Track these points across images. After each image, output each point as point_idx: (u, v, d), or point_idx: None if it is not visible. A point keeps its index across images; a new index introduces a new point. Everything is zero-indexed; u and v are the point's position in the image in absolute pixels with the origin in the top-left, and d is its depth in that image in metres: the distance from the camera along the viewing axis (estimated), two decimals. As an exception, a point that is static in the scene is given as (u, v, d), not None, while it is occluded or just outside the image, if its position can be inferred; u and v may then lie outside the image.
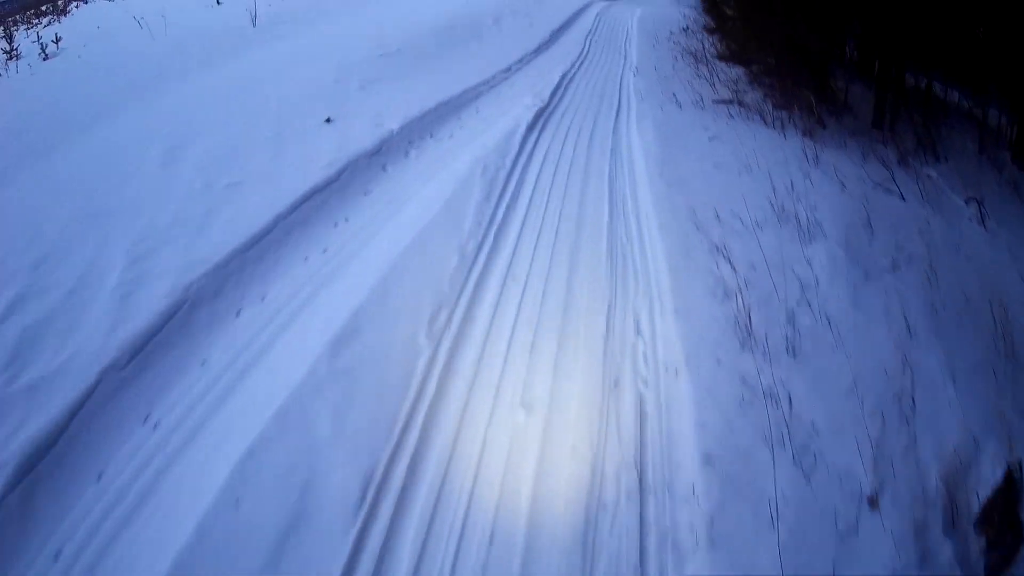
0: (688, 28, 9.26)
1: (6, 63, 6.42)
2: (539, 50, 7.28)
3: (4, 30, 8.36)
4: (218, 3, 9.18)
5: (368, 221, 3.20)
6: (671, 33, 8.98)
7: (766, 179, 3.29)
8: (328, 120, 4.10)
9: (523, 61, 6.65)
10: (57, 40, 7.19)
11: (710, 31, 6.91)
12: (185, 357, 2.17)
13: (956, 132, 4.40)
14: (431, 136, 4.28)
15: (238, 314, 2.42)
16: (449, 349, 2.17)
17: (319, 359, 2.04)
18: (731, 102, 5.26)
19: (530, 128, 4.32)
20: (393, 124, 4.13)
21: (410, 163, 3.83)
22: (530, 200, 3.31)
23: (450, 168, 3.62)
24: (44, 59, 6.67)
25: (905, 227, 2.85)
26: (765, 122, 4.60)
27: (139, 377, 2.06)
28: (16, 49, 7.13)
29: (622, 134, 4.47)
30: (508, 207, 3.21)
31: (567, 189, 3.44)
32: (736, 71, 6.37)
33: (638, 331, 2.29)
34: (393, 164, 3.78)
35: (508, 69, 6.22)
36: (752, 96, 5.41)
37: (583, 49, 7.74)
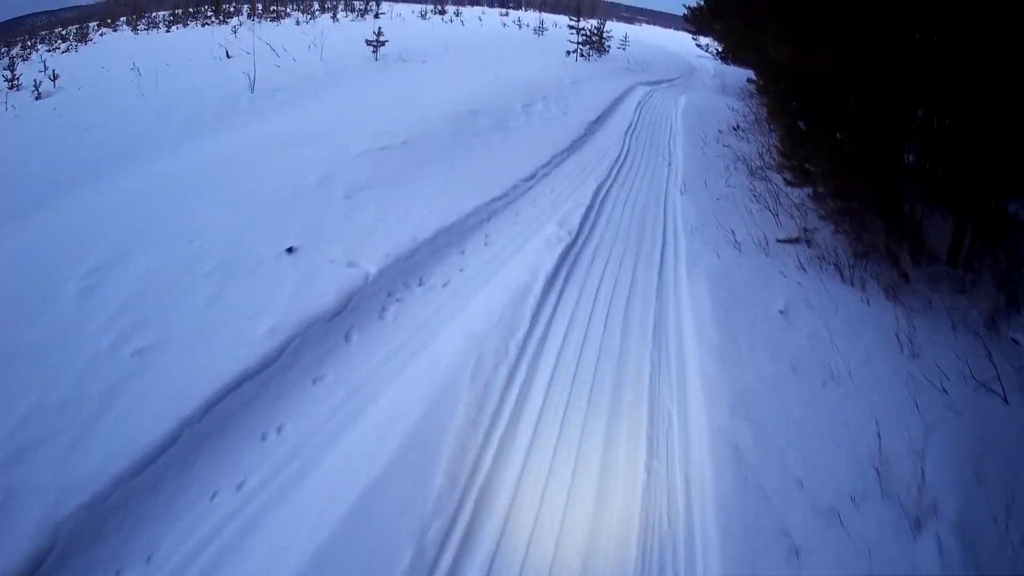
0: (738, 127, 8.69)
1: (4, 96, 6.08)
2: (572, 149, 6.73)
3: (12, 56, 8.18)
4: (228, 56, 8.92)
5: (308, 435, 2.52)
6: (719, 132, 8.37)
7: (859, 398, 2.64)
8: (290, 250, 3.45)
9: (551, 164, 6.07)
10: (55, 77, 6.95)
11: (782, 155, 6.24)
12: None
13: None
14: (420, 283, 3.60)
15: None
16: None
17: None
18: (798, 241, 4.53)
19: (550, 283, 3.63)
20: (372, 265, 3.48)
21: (384, 331, 3.14)
22: (534, 432, 2.54)
23: (433, 352, 2.91)
24: (36, 98, 6.38)
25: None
26: (842, 276, 3.88)
27: None
28: (18, 80, 6.87)
29: (668, 298, 3.73)
30: (501, 446, 2.41)
31: (589, 414, 2.66)
32: (799, 191, 5.65)
33: None
34: (361, 331, 3.08)
35: (532, 176, 5.63)
36: (823, 235, 4.70)
37: (622, 150, 7.19)
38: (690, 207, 5.20)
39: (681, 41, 20.25)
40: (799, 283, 3.65)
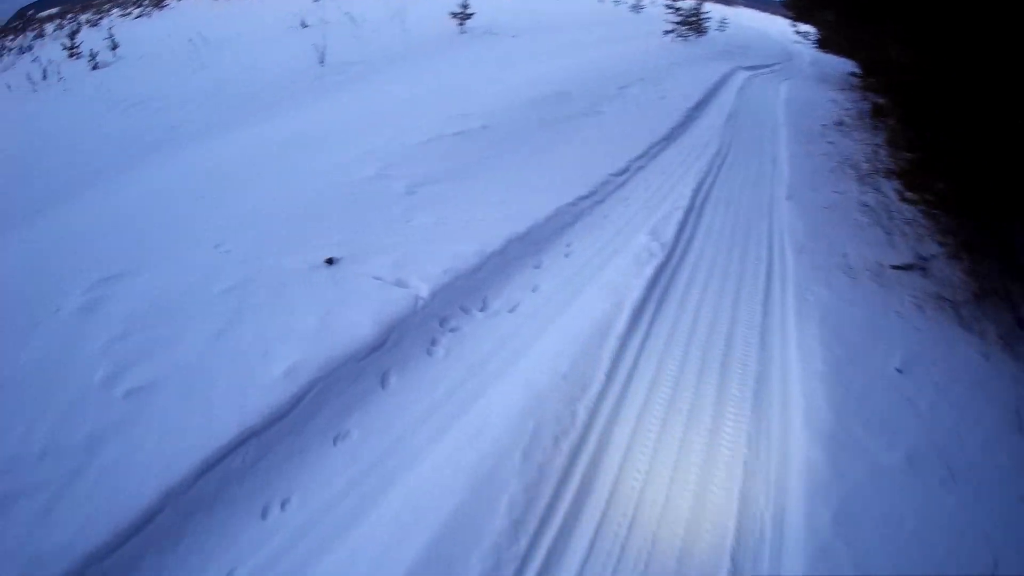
0: (842, 122, 8.02)
1: (39, 78, 6.12)
2: (669, 138, 5.97)
3: (80, 23, 8.38)
4: (303, 26, 8.72)
5: (317, 515, 2.10)
6: (823, 127, 7.64)
7: (976, 507, 2.13)
8: (330, 261, 2.98)
9: (647, 156, 5.30)
10: (115, 47, 7.01)
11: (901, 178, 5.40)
12: None
13: None
14: (482, 307, 3.02)
15: None
16: None
17: None
18: (912, 268, 3.91)
19: (636, 317, 2.94)
20: (424, 284, 2.93)
21: (429, 373, 2.58)
22: (590, 546, 1.88)
23: (483, 409, 2.35)
24: (93, 68, 6.41)
25: None
26: (960, 318, 3.29)
27: None
28: (78, 47, 6.99)
29: (774, 346, 2.97)
30: (548, 562, 1.79)
31: (663, 518, 1.97)
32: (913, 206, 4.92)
33: None
34: (402, 372, 2.53)
35: (625, 170, 4.90)
36: (939, 264, 3.92)
37: (723, 141, 6.38)
38: (797, 218, 4.46)
39: (777, 25, 19.49)
40: (916, 328, 3.15)
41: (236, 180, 3.73)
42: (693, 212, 4.45)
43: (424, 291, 2.86)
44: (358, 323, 2.56)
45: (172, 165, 3.84)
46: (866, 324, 3.10)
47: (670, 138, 6.03)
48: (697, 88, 8.11)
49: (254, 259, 2.94)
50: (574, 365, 2.49)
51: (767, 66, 12.15)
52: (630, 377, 2.55)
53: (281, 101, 5.01)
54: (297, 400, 2.23)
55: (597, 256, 3.70)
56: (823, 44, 13.54)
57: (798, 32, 15.18)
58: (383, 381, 2.45)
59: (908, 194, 5.00)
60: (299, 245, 3.13)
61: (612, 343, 2.67)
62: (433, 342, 2.70)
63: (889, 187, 5.23)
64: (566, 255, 3.72)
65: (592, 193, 4.47)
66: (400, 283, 2.91)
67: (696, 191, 4.80)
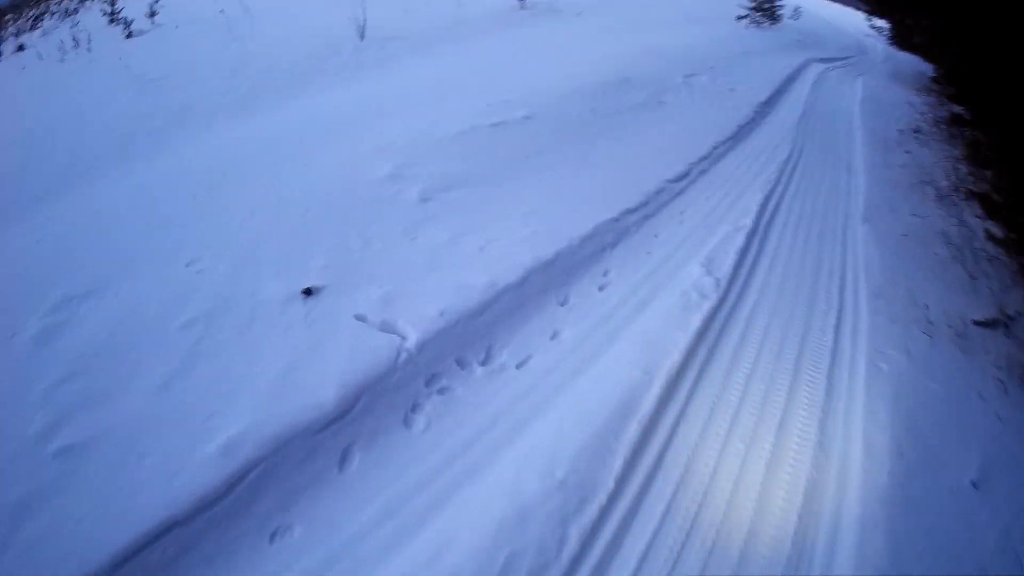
0: (919, 129, 7.57)
1: (70, 47, 6.08)
2: (736, 138, 5.44)
3: None
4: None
5: None
6: (899, 133, 7.11)
7: None
8: (308, 292, 2.68)
9: (710, 159, 4.77)
10: (152, 14, 6.92)
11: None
12: None
13: None
14: (483, 360, 2.66)
15: None
16: None
17: None
18: (996, 324, 3.51)
19: (668, 394, 2.47)
20: (413, 330, 2.56)
21: (402, 452, 2.27)
22: None
23: (453, 516, 1.96)
24: (127, 36, 6.34)
25: None
26: None
27: None
28: (119, 13, 6.94)
29: (834, 438, 2.49)
30: None
31: None
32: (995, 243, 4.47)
33: None
34: (368, 449, 2.23)
35: (684, 176, 4.35)
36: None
37: (795, 145, 5.73)
38: (873, 248, 3.94)
39: (849, 16, 18.93)
40: (999, 416, 2.71)
41: (234, 177, 3.48)
42: (757, 235, 3.90)
43: (411, 339, 2.49)
44: (322, 381, 2.23)
45: (171, 156, 3.66)
46: (944, 411, 2.65)
47: (737, 137, 5.44)
48: (769, 80, 7.58)
49: (227, 283, 2.67)
50: (576, 464, 2.07)
51: (841, 59, 11.81)
52: (647, 486, 2.10)
53: (308, 80, 4.72)
54: (232, 484, 1.94)
55: (637, 292, 3.22)
56: (897, 41, 13.91)
57: (872, 27, 15.56)
58: (343, 461, 2.12)
59: (989, 224, 4.65)
60: (282, 266, 2.84)
61: (631, 433, 2.22)
62: (414, 408, 2.33)
63: (970, 212, 4.85)
64: (600, 288, 3.25)
65: (642, 205, 3.94)
66: (385, 326, 2.55)
67: (763, 206, 4.25)
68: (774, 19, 12.64)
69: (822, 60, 10.52)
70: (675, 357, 2.62)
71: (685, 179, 4.40)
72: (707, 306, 3.06)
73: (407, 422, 2.28)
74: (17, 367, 2.25)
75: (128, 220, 3.08)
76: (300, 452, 2.08)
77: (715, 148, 4.92)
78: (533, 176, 4.05)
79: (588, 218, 3.68)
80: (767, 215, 4.19)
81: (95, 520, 1.84)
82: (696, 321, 2.91)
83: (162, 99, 4.20)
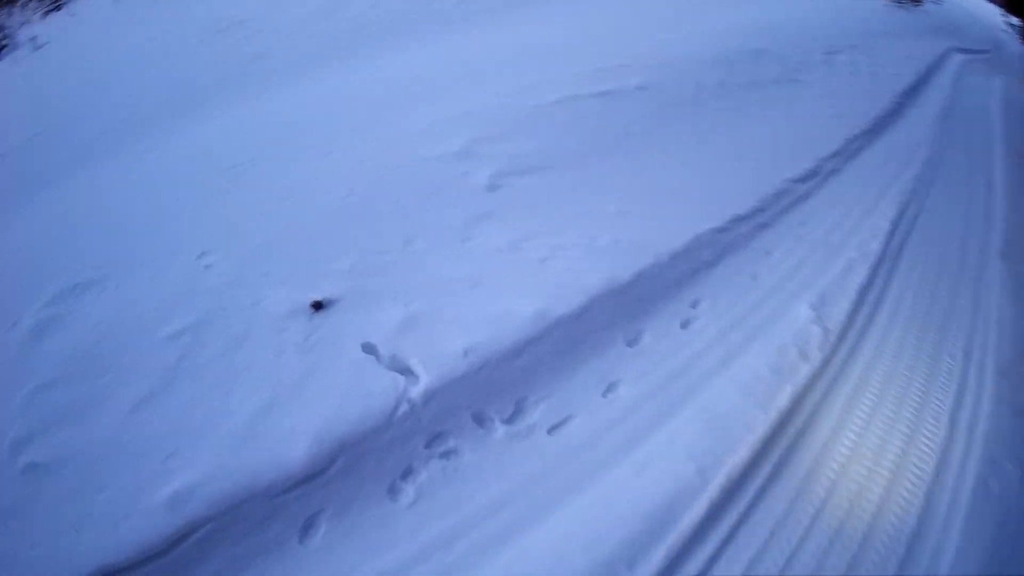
0: None
1: None
2: (873, 131, 4.68)
3: None
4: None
5: None
6: None
7: None
8: (317, 306, 2.39)
9: (842, 155, 4.15)
10: None
11: None
12: None
13: None
14: (508, 418, 2.35)
15: None
16: None
17: None
18: None
19: (721, 506, 2.02)
20: (424, 373, 2.19)
21: (380, 528, 1.99)
22: None
23: None
24: None
25: None
26: None
27: None
28: None
29: None
30: None
31: None
32: None
33: None
34: (338, 519, 2.01)
35: (812, 175, 3.86)
36: None
37: (934, 148, 4.96)
38: (1007, 304, 3.20)
39: (986, 8, 16.61)
40: None
41: (285, 147, 3.30)
42: (884, 266, 3.26)
43: (420, 384, 2.13)
44: (297, 430, 1.95)
45: (228, 116, 3.55)
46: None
47: (874, 131, 4.71)
48: (910, 67, 6.75)
49: (230, 284, 2.49)
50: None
51: (980, 52, 10.83)
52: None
53: (392, 34, 4.36)
54: (176, 541, 1.74)
55: (727, 335, 2.67)
56: (1033, 42, 13.45)
57: (1009, 24, 15.14)
58: (305, 530, 1.85)
59: None
60: (298, 266, 2.59)
61: (657, 559, 1.72)
62: (406, 474, 2.00)
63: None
64: (684, 324, 2.69)
65: (757, 211, 3.27)
66: (394, 363, 2.22)
67: (895, 224, 3.60)
68: (917, 1, 12.18)
69: (961, 51, 9.64)
70: (742, 454, 2.06)
71: (812, 179, 3.74)
72: (804, 373, 2.44)
73: (393, 491, 1.96)
74: (7, 363, 2.22)
75: (154, 196, 3.02)
76: (257, 514, 1.83)
77: (849, 142, 4.22)
78: (631, 162, 3.45)
79: (688, 225, 3.07)
80: (898, 237, 3.50)
81: (43, 552, 1.75)
82: (784, 398, 2.30)
83: (236, 48, 4.09)
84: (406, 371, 2.21)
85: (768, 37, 4.85)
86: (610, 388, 2.39)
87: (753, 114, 4.08)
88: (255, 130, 3.55)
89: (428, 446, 2.08)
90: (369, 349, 2.27)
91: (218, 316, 2.36)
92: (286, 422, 1.98)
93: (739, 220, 3.20)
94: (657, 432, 2.20)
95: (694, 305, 2.82)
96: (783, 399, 2.27)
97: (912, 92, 6.30)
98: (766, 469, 2.10)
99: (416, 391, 2.13)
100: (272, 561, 1.80)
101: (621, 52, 4.19)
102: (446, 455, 2.08)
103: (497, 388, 2.28)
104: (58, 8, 6.89)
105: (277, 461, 1.89)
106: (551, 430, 2.20)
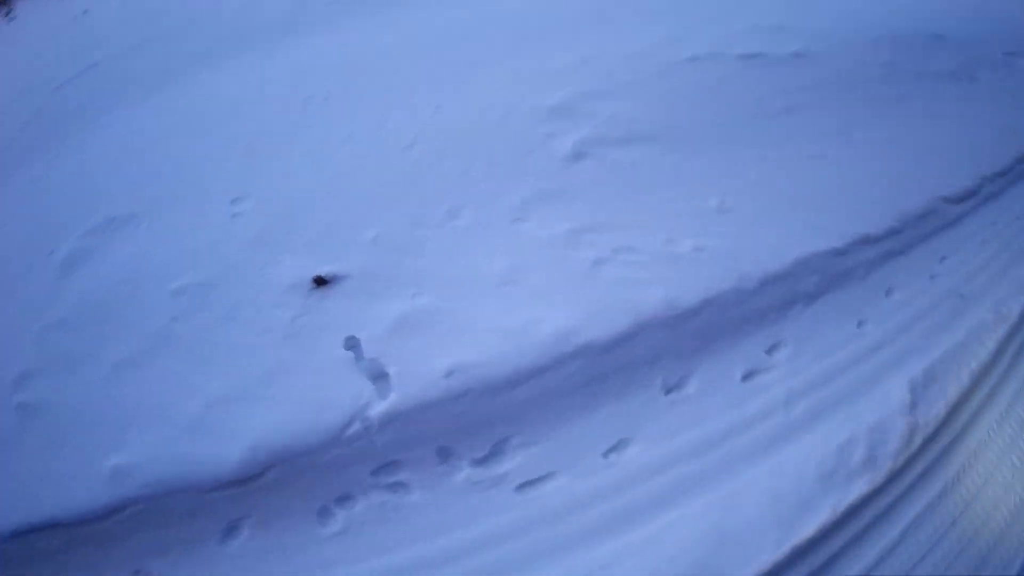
0: None
1: None
2: (1006, 175, 3.27)
3: None
4: None
5: None
6: None
7: None
8: (319, 282, 2.36)
9: (1007, 176, 3.18)
10: None
11: None
12: None
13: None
14: (480, 461, 2.19)
15: None
16: None
17: None
18: None
19: None
20: (395, 391, 2.07)
21: (299, 550, 1.95)
22: None
23: None
24: None
25: None
26: None
27: None
28: None
29: None
30: None
31: None
32: None
33: None
34: (261, 530, 2.01)
35: (971, 194, 3.33)
36: None
37: None
38: None
39: None
40: None
41: (370, 82, 3.12)
42: (1017, 338, 2.43)
43: (383, 403, 1.94)
44: (238, 431, 1.89)
45: (334, 37, 3.39)
46: None
47: (1006, 177, 3.32)
48: None
49: (252, 241, 2.48)
50: None
51: None
52: None
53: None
54: (107, 514, 1.82)
55: (792, 405, 2.16)
56: None
57: None
58: (227, 532, 1.85)
59: None
60: (326, 229, 2.48)
61: None
62: (341, 500, 1.88)
63: None
64: (745, 376, 2.21)
65: (892, 233, 2.61)
66: (372, 368, 2.06)
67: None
68: None
69: None
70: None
71: (968, 201, 2.93)
72: (856, 493, 1.82)
73: (323, 515, 1.87)
74: (36, 296, 2.48)
75: (227, 120, 3.04)
76: (185, 506, 1.86)
77: (1019, 161, 3.20)
78: (754, 148, 2.79)
79: (796, 240, 2.45)
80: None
81: (11, 490, 1.94)
82: (812, 526, 1.73)
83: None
84: (382, 378, 2.05)
85: (946, 21, 3.73)
86: (617, 447, 2.03)
87: (916, 109, 3.16)
88: (348, 59, 3.44)
89: (375, 474, 1.94)
90: (352, 345, 2.14)
91: (224, 278, 2.38)
92: (232, 420, 1.96)
93: (866, 242, 2.48)
94: (646, 523, 1.83)
95: (770, 351, 2.26)
96: (810, 527, 1.74)
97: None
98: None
99: (375, 410, 1.97)
100: (190, 555, 1.85)
101: (778, 9, 3.35)
102: (392, 488, 1.93)
103: (476, 422, 2.03)
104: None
105: (212, 459, 1.89)
106: (522, 486, 1.94)
